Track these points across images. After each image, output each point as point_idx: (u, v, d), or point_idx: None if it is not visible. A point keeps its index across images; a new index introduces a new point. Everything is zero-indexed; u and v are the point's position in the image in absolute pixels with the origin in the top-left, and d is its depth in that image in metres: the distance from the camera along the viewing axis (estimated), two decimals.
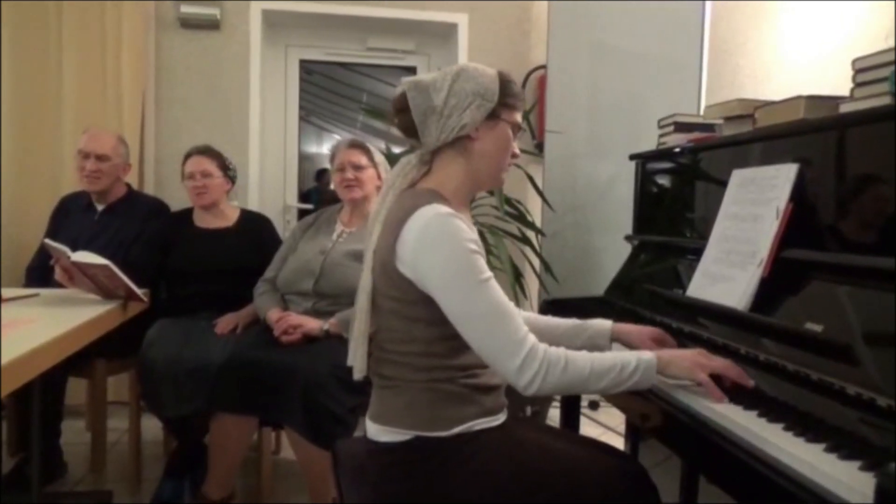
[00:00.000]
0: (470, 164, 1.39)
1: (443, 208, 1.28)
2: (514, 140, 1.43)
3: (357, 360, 1.39)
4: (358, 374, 1.39)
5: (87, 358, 2.30)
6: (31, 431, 2.33)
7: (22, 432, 2.53)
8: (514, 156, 1.44)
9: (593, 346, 1.52)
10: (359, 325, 1.38)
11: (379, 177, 2.43)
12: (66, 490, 2.52)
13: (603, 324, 1.56)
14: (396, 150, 3.23)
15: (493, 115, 1.37)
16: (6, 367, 1.34)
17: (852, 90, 1.35)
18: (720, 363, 1.28)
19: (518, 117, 1.43)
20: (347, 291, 2.17)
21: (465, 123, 1.34)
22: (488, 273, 1.26)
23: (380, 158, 2.45)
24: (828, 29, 3.80)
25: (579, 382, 1.24)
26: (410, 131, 1.39)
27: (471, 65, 1.38)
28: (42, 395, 2.30)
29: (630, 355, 1.29)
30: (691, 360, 1.28)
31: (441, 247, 1.25)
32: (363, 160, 2.38)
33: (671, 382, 1.30)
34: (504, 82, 1.38)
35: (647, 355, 1.29)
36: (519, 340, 1.22)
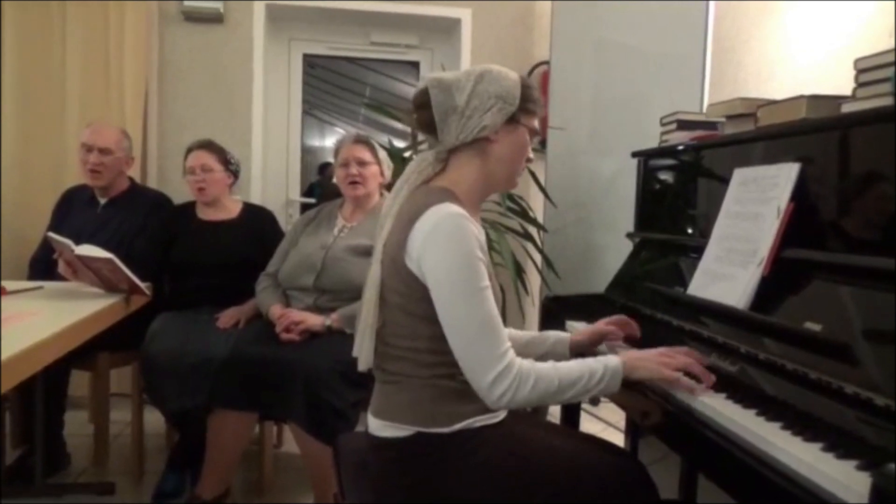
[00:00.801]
0: (486, 165, 1.40)
1: (455, 208, 1.29)
2: (530, 144, 1.45)
3: (363, 351, 1.39)
4: (363, 366, 1.40)
5: (90, 351, 2.30)
6: (34, 423, 2.36)
7: (25, 424, 2.55)
8: (528, 160, 1.46)
9: (555, 355, 1.59)
10: (366, 317, 1.38)
11: (382, 174, 2.43)
12: (70, 482, 2.53)
13: (562, 334, 1.64)
14: (399, 144, 3.23)
15: (513, 119, 1.38)
16: (10, 360, 1.35)
17: (854, 90, 1.35)
18: (683, 360, 1.33)
19: (536, 123, 1.44)
20: (348, 286, 2.19)
21: (485, 125, 1.35)
22: (487, 282, 1.28)
23: (383, 155, 2.46)
24: (831, 28, 3.79)
25: (548, 396, 1.28)
26: (429, 128, 1.40)
27: (494, 67, 1.39)
28: (45, 387, 2.32)
29: (597, 363, 1.32)
30: (656, 361, 1.33)
31: (448, 247, 1.26)
32: (367, 156, 2.38)
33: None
34: (525, 87, 1.39)
35: (614, 362, 1.32)
36: (499, 355, 1.24)
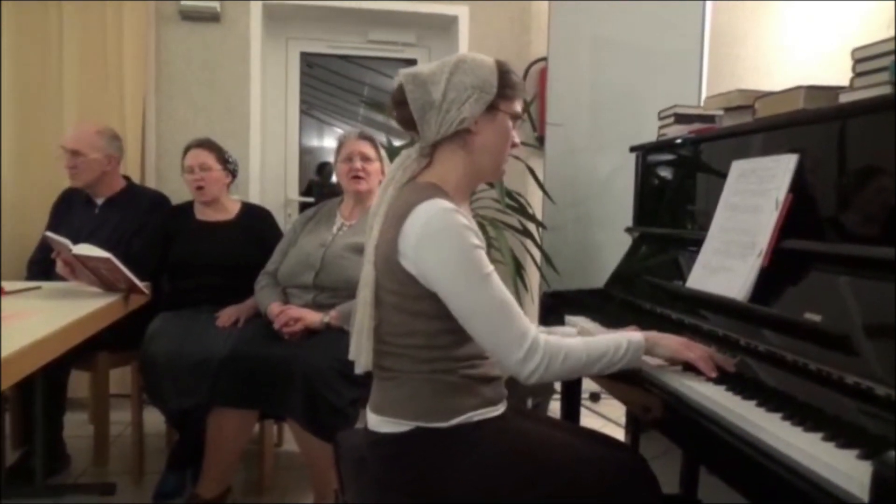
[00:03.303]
0: (470, 157, 1.39)
1: (445, 203, 1.28)
2: (514, 129, 1.43)
3: (362, 354, 1.37)
4: (361, 369, 1.38)
5: (89, 351, 2.31)
6: (34, 424, 2.36)
7: (25, 425, 2.55)
8: (513, 145, 1.44)
9: None
10: (361, 318, 1.37)
11: (382, 172, 2.43)
12: (70, 482, 2.53)
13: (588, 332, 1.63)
14: (397, 143, 3.22)
15: (492, 108, 1.36)
16: (8, 359, 1.34)
17: (852, 80, 1.34)
18: (702, 350, 1.35)
19: (517, 107, 1.42)
20: (348, 284, 2.18)
21: (464, 117, 1.34)
22: (490, 267, 1.28)
23: (384, 154, 2.46)
24: (829, 20, 3.79)
25: (577, 369, 1.31)
26: (409, 124, 1.38)
27: (469, 55, 1.37)
28: (45, 387, 2.32)
29: (621, 338, 1.34)
30: (678, 342, 1.36)
31: (444, 243, 1.25)
32: (371, 153, 2.39)
33: (654, 363, 1.39)
34: (502, 72, 1.37)
35: (637, 336, 1.35)
36: (522, 333, 1.25)
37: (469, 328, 1.27)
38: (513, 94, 1.39)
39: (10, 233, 3.18)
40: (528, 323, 1.27)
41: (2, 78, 3.19)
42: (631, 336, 1.35)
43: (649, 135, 2.20)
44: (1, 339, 1.41)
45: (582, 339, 1.32)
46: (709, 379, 1.29)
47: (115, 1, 3.26)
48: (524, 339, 1.25)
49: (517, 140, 1.44)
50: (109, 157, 2.71)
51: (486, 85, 1.34)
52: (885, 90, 1.24)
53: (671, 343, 1.36)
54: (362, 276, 1.38)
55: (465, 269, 1.25)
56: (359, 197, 2.41)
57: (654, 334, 1.39)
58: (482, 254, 1.28)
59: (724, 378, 1.28)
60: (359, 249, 2.23)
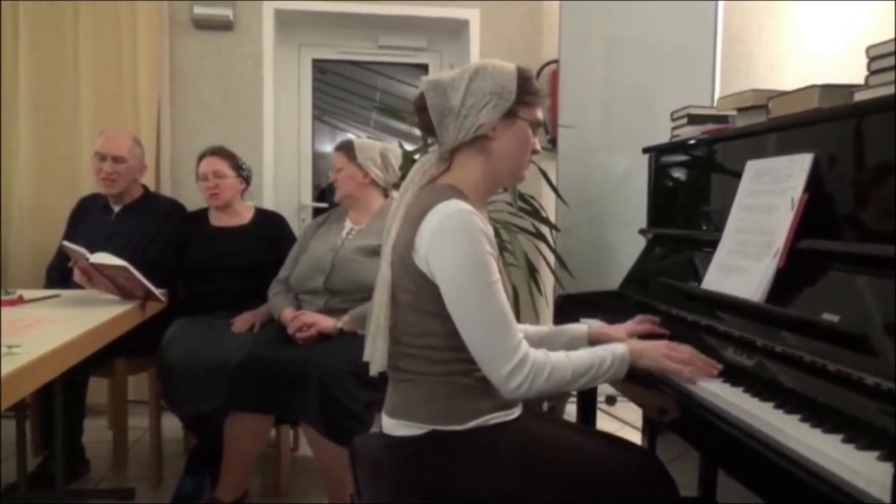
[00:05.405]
0: (489, 162, 1.39)
1: (462, 204, 1.29)
2: (535, 137, 1.43)
3: (376, 354, 1.36)
4: (376, 369, 1.38)
5: (107, 357, 2.33)
6: (54, 430, 2.37)
7: (45, 431, 2.58)
8: (534, 152, 1.44)
9: (570, 349, 1.55)
10: (377, 319, 1.37)
11: (366, 175, 2.39)
12: (90, 488, 2.55)
13: (579, 328, 1.64)
14: (410, 147, 3.23)
15: (510, 114, 1.36)
16: (29, 367, 1.36)
17: (867, 78, 1.33)
18: (686, 354, 1.35)
19: (538, 114, 1.42)
20: (358, 287, 2.20)
21: (481, 123, 1.34)
22: (497, 276, 1.28)
23: (368, 154, 2.39)
24: (843, 18, 3.75)
25: (562, 385, 1.30)
26: (429, 130, 1.40)
27: (490, 62, 1.37)
28: (64, 394, 2.34)
29: (605, 351, 1.35)
30: (660, 352, 1.36)
31: (457, 242, 1.26)
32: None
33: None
34: (523, 79, 1.37)
35: (621, 350, 1.35)
36: (514, 347, 1.25)
37: (462, 332, 1.27)
38: (533, 100, 1.39)
39: (27, 239, 3.22)
40: (521, 338, 1.28)
41: (20, 88, 3.23)
42: (615, 349, 1.35)
43: (662, 135, 2.19)
44: (21, 346, 1.43)
45: (565, 353, 1.32)
46: (725, 381, 1.29)
47: (130, 4, 3.29)
48: (515, 352, 1.25)
49: (538, 147, 1.44)
50: (141, 165, 2.79)
51: (505, 91, 1.34)
52: None
53: (654, 354, 1.36)
54: (379, 276, 1.39)
55: (473, 272, 1.25)
56: (349, 203, 2.43)
57: (637, 345, 1.39)
58: (493, 261, 1.28)
59: (741, 380, 1.27)
60: (369, 252, 2.25)
